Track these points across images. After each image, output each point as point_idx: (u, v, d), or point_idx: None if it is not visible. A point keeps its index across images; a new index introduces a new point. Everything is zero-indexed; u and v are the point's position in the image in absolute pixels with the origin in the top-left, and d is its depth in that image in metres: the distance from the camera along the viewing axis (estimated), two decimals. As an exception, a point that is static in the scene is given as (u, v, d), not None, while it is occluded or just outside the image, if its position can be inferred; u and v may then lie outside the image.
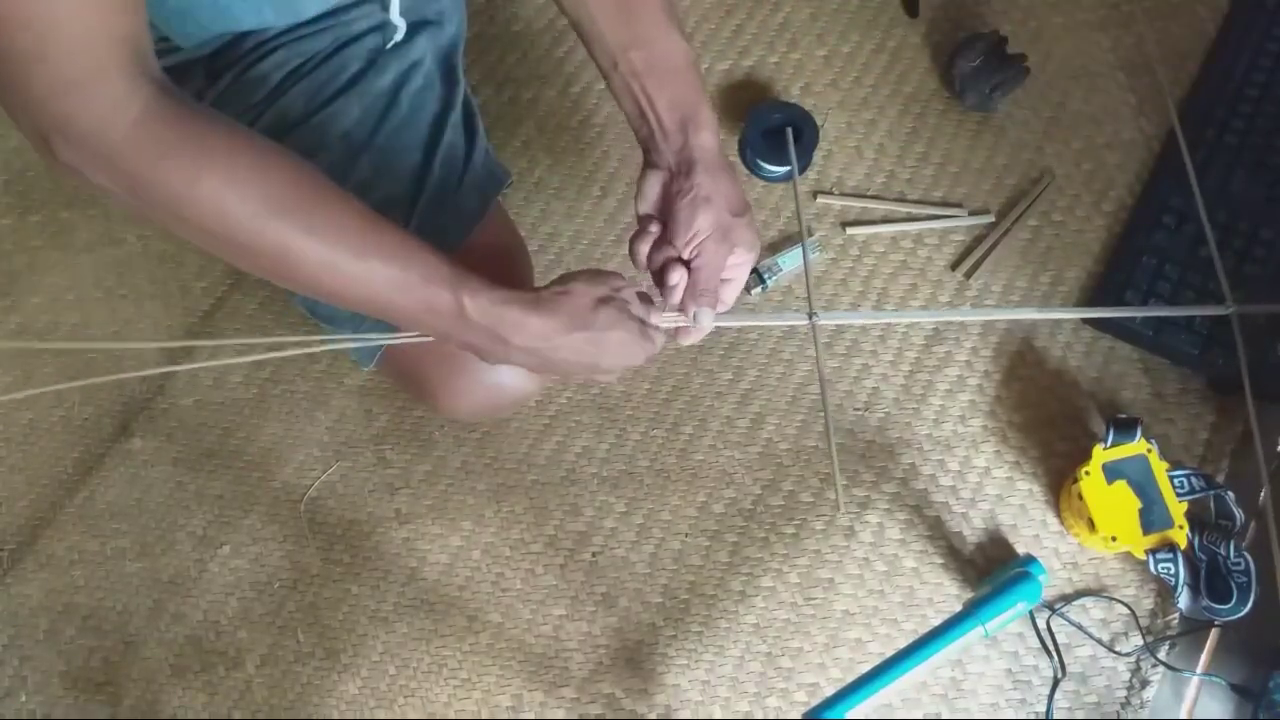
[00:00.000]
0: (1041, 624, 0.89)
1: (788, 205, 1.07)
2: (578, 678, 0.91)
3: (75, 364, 1.04)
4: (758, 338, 1.02)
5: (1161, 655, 0.89)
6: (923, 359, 1.01)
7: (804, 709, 0.74)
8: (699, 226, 0.68)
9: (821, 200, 1.07)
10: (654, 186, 0.71)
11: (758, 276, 1.02)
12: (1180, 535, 0.86)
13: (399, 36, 0.83)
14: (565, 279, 0.68)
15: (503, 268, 0.86)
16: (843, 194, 1.08)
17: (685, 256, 0.69)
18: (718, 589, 0.94)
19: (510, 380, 0.83)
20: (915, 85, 1.13)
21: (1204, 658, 0.88)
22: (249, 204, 0.58)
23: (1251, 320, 0.94)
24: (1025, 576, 0.78)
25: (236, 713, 0.91)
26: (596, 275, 0.69)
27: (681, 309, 0.70)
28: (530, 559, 0.95)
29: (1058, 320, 1.01)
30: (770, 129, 1.06)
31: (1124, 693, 0.89)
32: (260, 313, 1.05)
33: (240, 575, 0.96)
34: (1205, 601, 0.85)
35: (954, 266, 1.04)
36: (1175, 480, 0.88)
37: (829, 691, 0.72)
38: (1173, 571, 0.85)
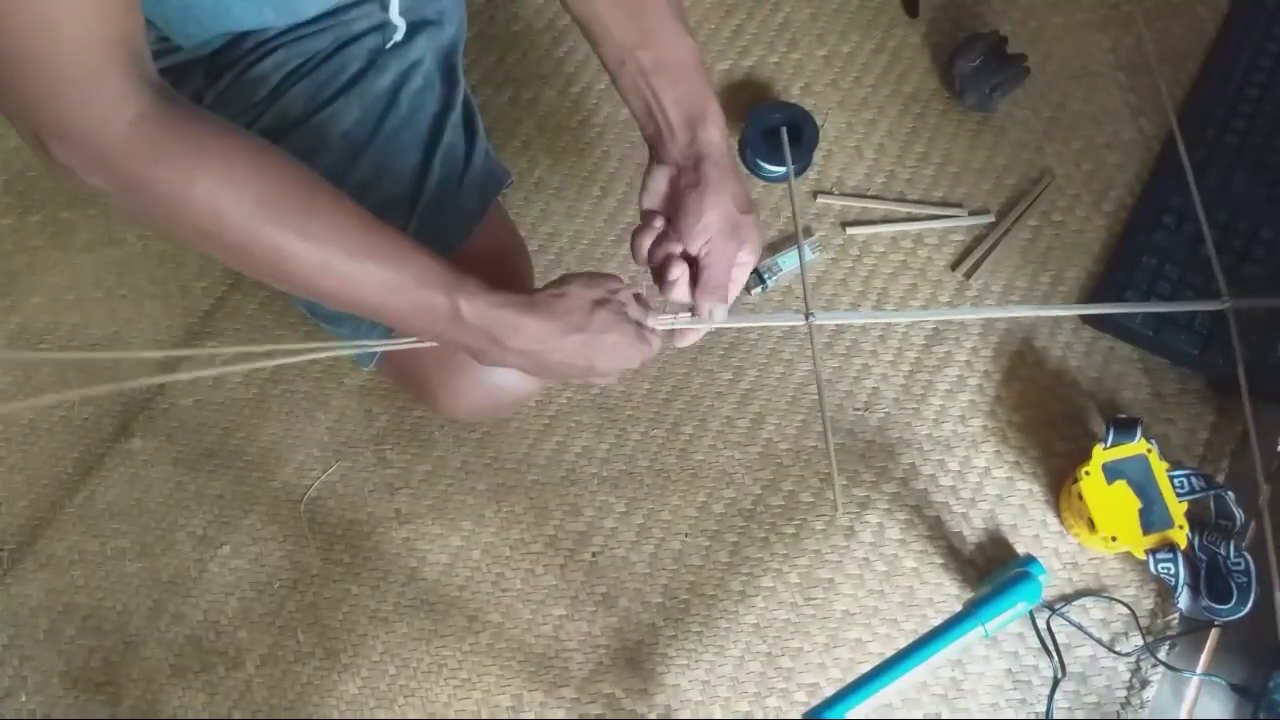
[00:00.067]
0: (1041, 624, 0.89)
1: (788, 205, 1.07)
2: (578, 678, 0.91)
3: (73, 365, 1.04)
4: (757, 338, 1.02)
5: (1161, 655, 0.89)
6: (923, 359, 1.01)
7: (804, 709, 0.74)
8: (708, 220, 0.68)
9: (821, 200, 1.07)
10: (660, 182, 0.71)
11: (758, 276, 1.02)
12: (1180, 535, 0.86)
13: (399, 36, 0.82)
14: (562, 281, 0.68)
15: (502, 268, 0.86)
16: (843, 194, 1.08)
17: (694, 252, 0.68)
18: (718, 589, 0.94)
19: (510, 380, 0.83)
20: (915, 85, 1.13)
21: (1204, 658, 0.88)
22: (244, 205, 0.58)
23: (1252, 321, 0.94)
24: (1025, 576, 0.78)
25: (236, 713, 0.91)
26: (593, 278, 0.69)
27: (693, 307, 0.70)
28: (530, 559, 0.95)
29: (1058, 320, 1.01)
30: (770, 129, 1.05)
31: (1124, 693, 0.89)
32: (260, 313, 1.05)
33: (240, 575, 0.96)
34: (1205, 601, 0.85)
35: (954, 266, 1.04)
36: (1175, 480, 0.89)
37: (829, 691, 0.72)
38: (1173, 571, 0.85)
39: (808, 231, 1.06)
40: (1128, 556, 0.91)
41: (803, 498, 0.96)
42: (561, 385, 1.00)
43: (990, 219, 1.06)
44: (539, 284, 0.73)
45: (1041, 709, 0.88)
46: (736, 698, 0.90)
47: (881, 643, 0.91)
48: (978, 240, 1.05)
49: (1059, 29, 1.15)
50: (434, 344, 0.71)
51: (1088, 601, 0.91)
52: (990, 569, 0.93)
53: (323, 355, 0.93)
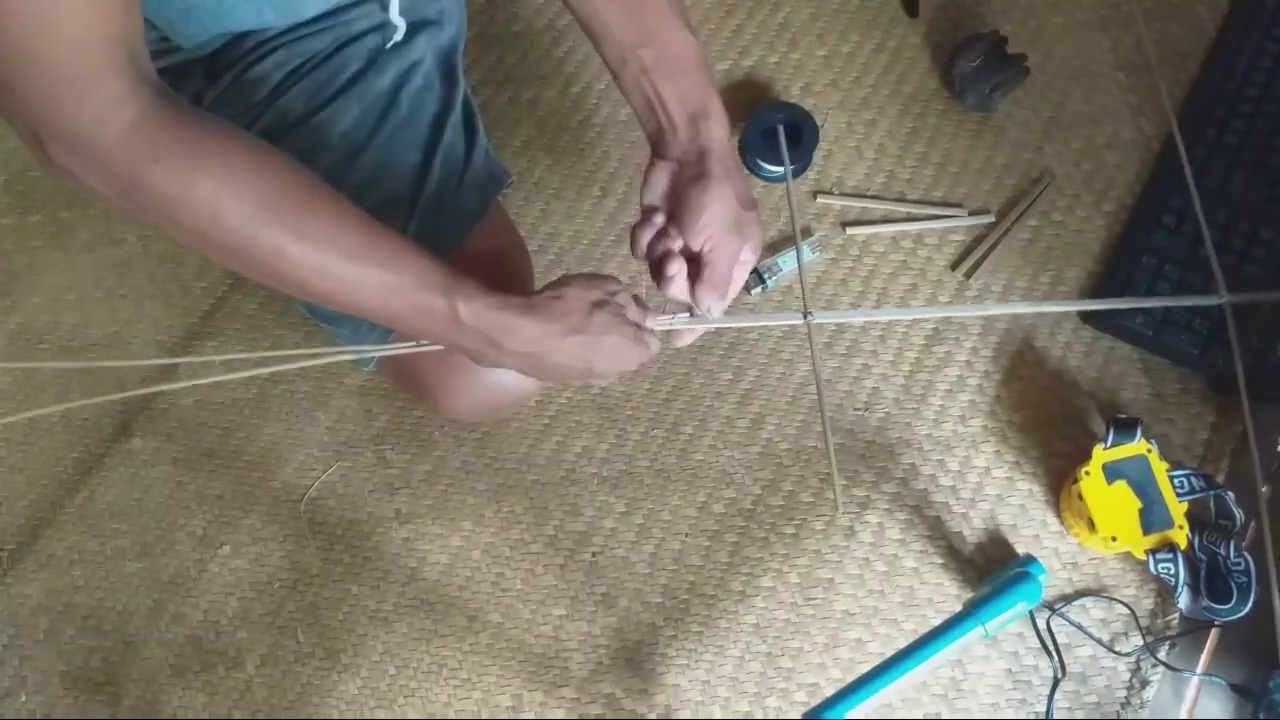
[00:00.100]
0: (1041, 624, 0.89)
1: (788, 205, 1.07)
2: (578, 678, 0.91)
3: (75, 367, 1.04)
4: (757, 338, 1.02)
5: (1161, 655, 0.89)
6: (923, 359, 1.01)
7: (804, 709, 0.74)
8: (711, 214, 0.67)
9: (821, 200, 1.07)
10: (662, 177, 0.70)
11: (758, 276, 1.02)
12: (1180, 535, 0.86)
13: (399, 36, 0.82)
14: (560, 283, 0.68)
15: (502, 268, 0.86)
16: (843, 194, 1.08)
17: (696, 247, 0.68)
18: (718, 589, 0.94)
19: (510, 380, 0.83)
20: (915, 85, 1.12)
21: (1204, 658, 0.88)
22: (243, 207, 0.58)
23: (1252, 321, 0.94)
24: (1025, 576, 0.78)
25: (236, 713, 0.91)
26: (592, 279, 0.69)
27: (691, 307, 0.69)
28: (530, 559, 0.95)
29: (1058, 320, 1.01)
30: (770, 129, 1.05)
31: (1124, 693, 0.89)
32: (260, 312, 1.05)
33: (240, 575, 0.96)
34: (1205, 601, 0.85)
35: (954, 266, 1.04)
36: (1175, 480, 0.88)
37: (829, 691, 0.72)
38: (1173, 571, 0.85)
39: (808, 231, 1.06)
40: (1128, 556, 0.91)
41: (803, 498, 0.96)
42: (561, 385, 1.00)
43: (990, 219, 1.06)
44: (539, 284, 0.73)
45: (1041, 709, 0.88)
46: (736, 698, 0.90)
47: (881, 643, 0.91)
48: (978, 240, 1.05)
49: (1059, 29, 1.15)
50: (433, 348, 0.71)
51: (1088, 601, 0.91)
52: (990, 569, 0.93)
53: (321, 361, 0.93)
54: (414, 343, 0.72)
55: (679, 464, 0.98)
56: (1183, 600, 0.86)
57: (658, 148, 0.72)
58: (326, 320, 0.85)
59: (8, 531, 0.98)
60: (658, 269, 0.69)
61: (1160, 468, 0.88)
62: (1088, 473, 0.88)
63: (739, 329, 1.02)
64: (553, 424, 1.00)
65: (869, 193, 1.08)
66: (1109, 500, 0.87)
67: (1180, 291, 0.98)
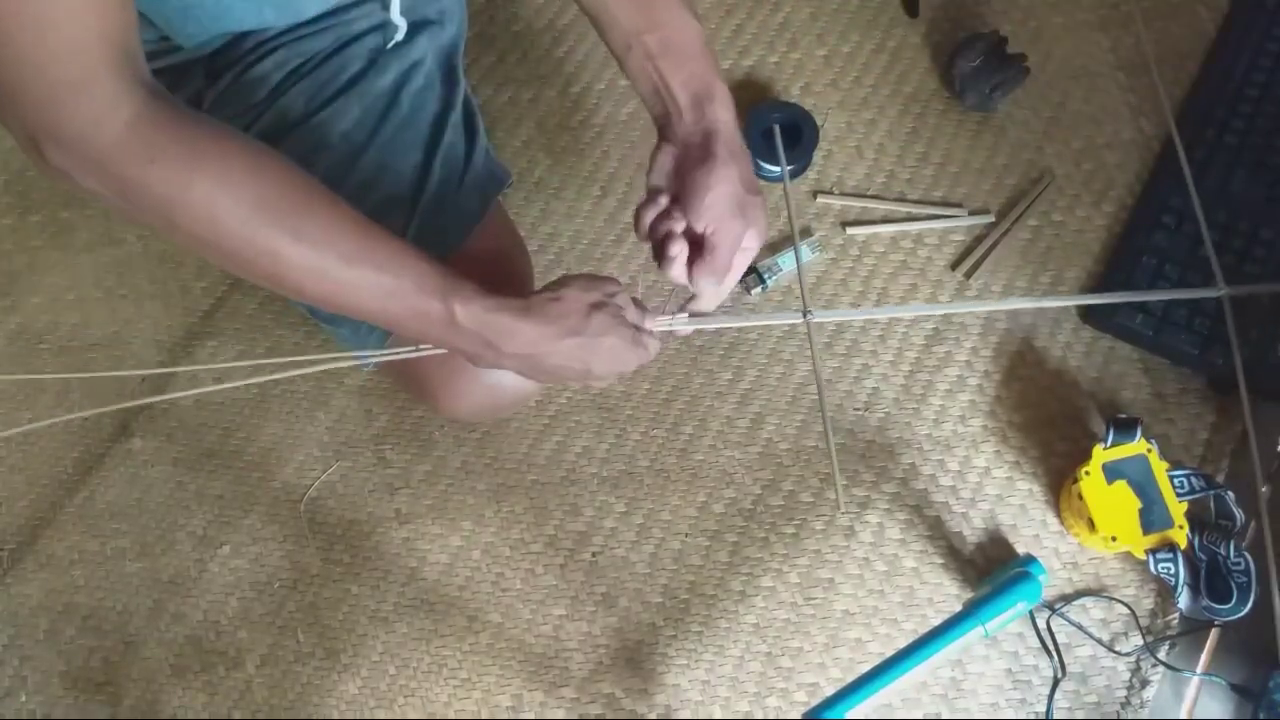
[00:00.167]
0: (1041, 624, 0.89)
1: (787, 205, 1.07)
2: (578, 678, 0.91)
3: (74, 365, 1.04)
4: (757, 338, 1.02)
5: (1161, 655, 0.89)
6: (923, 359, 1.01)
7: (804, 709, 0.74)
8: (715, 195, 0.67)
9: (821, 200, 1.07)
10: (667, 159, 0.71)
11: (758, 276, 1.02)
12: (1180, 535, 0.86)
13: (399, 36, 0.83)
14: (559, 284, 0.68)
15: (502, 268, 0.86)
16: (843, 194, 1.08)
17: (699, 229, 0.68)
18: (718, 589, 0.94)
19: (510, 380, 0.82)
20: (915, 85, 1.13)
21: (1204, 658, 0.88)
22: (240, 209, 0.58)
23: (1251, 318, 0.94)
24: (1025, 576, 0.78)
25: (236, 713, 0.91)
26: (591, 280, 0.69)
27: (691, 284, 0.70)
28: (530, 559, 0.95)
29: (1058, 320, 1.01)
30: (770, 129, 1.05)
31: (1124, 693, 0.89)
32: (260, 313, 1.05)
33: (240, 575, 0.96)
34: (1205, 601, 0.85)
35: (954, 266, 1.04)
36: (1175, 480, 0.88)
37: (829, 691, 0.72)
38: (1173, 571, 0.85)
39: (807, 231, 1.06)
40: (1128, 556, 0.91)
41: (803, 498, 0.96)
42: (561, 386, 1.00)
43: (990, 219, 1.06)
44: (539, 284, 0.73)
45: (1041, 709, 0.88)
46: (736, 698, 0.90)
47: (881, 643, 0.91)
48: (978, 240, 1.05)
49: (1059, 29, 1.15)
50: (432, 352, 0.71)
51: (1088, 601, 0.91)
52: (990, 569, 0.93)
53: (319, 368, 0.93)
54: (412, 348, 0.72)
55: (679, 464, 0.98)
56: (1183, 600, 0.86)
57: (664, 131, 0.72)
58: (326, 321, 0.85)
59: (8, 531, 0.98)
60: (659, 250, 0.69)
61: (1160, 468, 0.88)
62: (1088, 473, 0.88)
63: (739, 329, 1.02)
64: (553, 424, 1.00)
65: (869, 193, 1.08)
66: (1109, 500, 0.87)
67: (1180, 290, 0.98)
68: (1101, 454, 0.88)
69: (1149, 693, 0.88)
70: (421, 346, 0.72)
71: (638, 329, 0.70)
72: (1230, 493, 0.88)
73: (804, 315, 0.69)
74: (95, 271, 1.08)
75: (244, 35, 0.77)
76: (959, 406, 0.99)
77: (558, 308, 0.66)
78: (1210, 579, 0.86)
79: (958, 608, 0.84)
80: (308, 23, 0.78)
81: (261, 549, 0.96)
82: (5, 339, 1.05)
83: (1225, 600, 0.84)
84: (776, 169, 1.06)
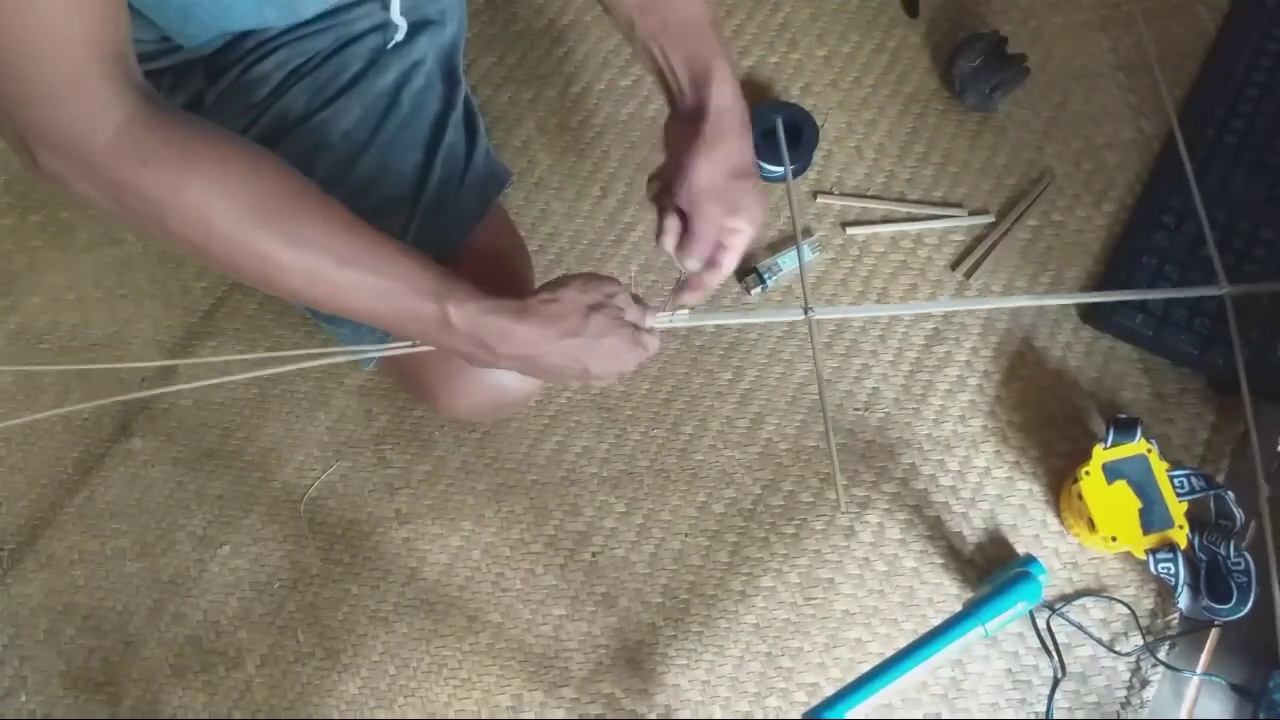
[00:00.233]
0: (1041, 624, 0.89)
1: (788, 205, 1.07)
2: (578, 678, 0.91)
3: (73, 364, 1.04)
4: (757, 338, 1.02)
5: (1161, 655, 0.89)
6: (923, 359, 1.01)
7: (804, 709, 0.74)
8: (694, 178, 0.68)
9: (821, 200, 1.07)
10: (670, 134, 0.72)
11: (758, 276, 1.02)
12: (1180, 535, 0.86)
13: (400, 36, 0.83)
14: (557, 285, 0.68)
15: (502, 268, 0.86)
16: (843, 194, 1.08)
17: (683, 208, 0.69)
18: (718, 589, 0.94)
19: (510, 380, 0.83)
20: (915, 85, 1.13)
21: (1204, 658, 0.88)
22: (233, 211, 0.58)
23: (1252, 318, 0.94)
24: (1025, 576, 0.78)
25: (236, 713, 0.91)
26: (589, 281, 0.69)
27: (678, 262, 0.71)
28: (530, 559, 0.95)
29: (1058, 320, 1.01)
30: (770, 129, 1.05)
31: (1124, 693, 0.89)
32: (260, 312, 1.05)
33: (240, 575, 0.96)
34: (1205, 601, 0.85)
35: (954, 266, 1.04)
36: (1175, 480, 0.89)
37: (829, 691, 0.72)
38: (1173, 571, 0.85)
39: (808, 231, 1.06)
40: (1128, 556, 0.91)
41: (803, 498, 0.96)
42: (561, 385, 1.00)
43: (990, 219, 1.06)
44: (539, 284, 0.73)
45: (1041, 709, 0.88)
46: (736, 698, 0.90)
47: (881, 643, 0.91)
48: (978, 240, 1.05)
49: (1059, 29, 1.15)
50: (427, 349, 0.71)
51: (1088, 601, 0.91)
52: (990, 569, 0.93)
53: (318, 363, 0.93)
54: (412, 344, 0.72)
55: (679, 464, 0.98)
56: (1183, 600, 0.86)
57: (671, 107, 0.73)
58: (326, 320, 0.85)
59: (8, 531, 0.98)
60: (657, 222, 0.70)
61: (1160, 468, 0.88)
62: (1088, 473, 0.88)
63: (739, 328, 1.02)
64: (553, 424, 1.00)
65: (869, 193, 1.08)
66: (1109, 500, 0.87)
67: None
68: (1101, 454, 0.88)
69: (1149, 693, 0.88)
70: (419, 343, 0.72)
71: (637, 328, 0.70)
72: (1230, 493, 0.88)
73: (805, 312, 0.69)
74: (95, 271, 1.08)
75: (245, 35, 0.77)
76: (959, 406, 0.99)
77: (555, 309, 0.66)
78: (1210, 579, 0.86)
79: (958, 608, 0.84)
80: (308, 22, 0.78)
81: (261, 549, 0.96)
82: (5, 339, 1.05)
83: (1225, 600, 0.84)
84: (778, 169, 1.06)
